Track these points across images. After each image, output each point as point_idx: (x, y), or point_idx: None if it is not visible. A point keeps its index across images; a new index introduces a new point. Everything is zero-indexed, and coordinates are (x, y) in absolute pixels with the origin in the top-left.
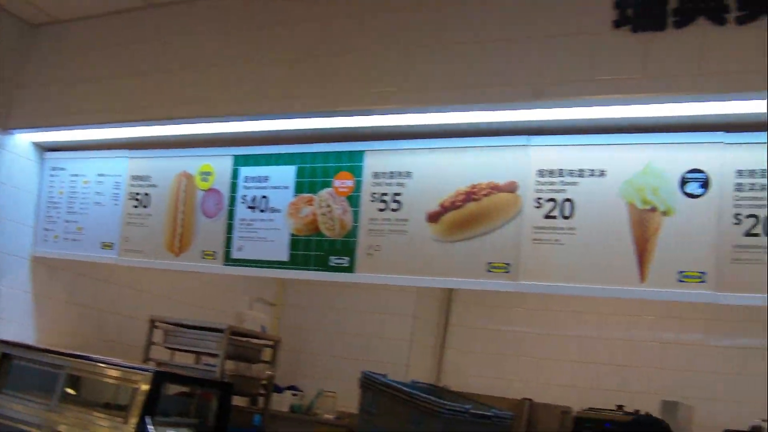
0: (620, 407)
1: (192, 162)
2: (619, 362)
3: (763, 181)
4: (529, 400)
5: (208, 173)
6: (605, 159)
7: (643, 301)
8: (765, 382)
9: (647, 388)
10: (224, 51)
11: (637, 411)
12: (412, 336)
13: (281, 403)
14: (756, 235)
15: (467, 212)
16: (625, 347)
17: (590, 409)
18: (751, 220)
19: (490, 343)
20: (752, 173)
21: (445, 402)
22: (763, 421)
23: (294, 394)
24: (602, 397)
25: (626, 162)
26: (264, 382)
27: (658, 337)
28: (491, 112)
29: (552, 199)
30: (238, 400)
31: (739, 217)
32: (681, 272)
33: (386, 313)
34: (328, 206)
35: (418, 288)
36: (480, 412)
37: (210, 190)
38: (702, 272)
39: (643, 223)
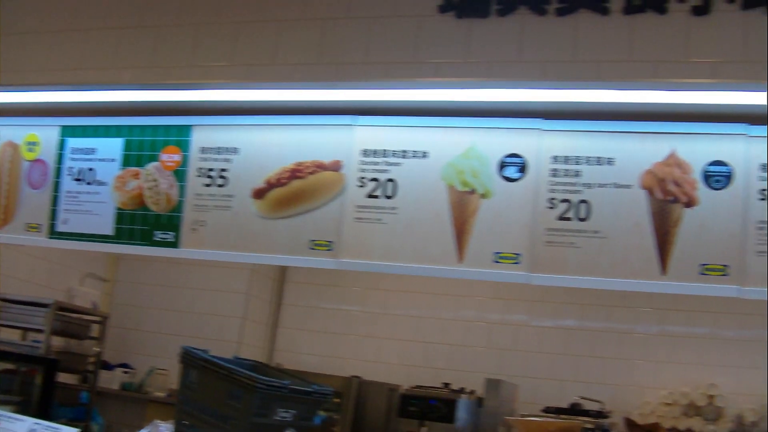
0: (446, 385)
1: (18, 131)
2: (447, 341)
3: (577, 167)
4: (358, 377)
5: (34, 143)
6: (428, 141)
7: (472, 282)
8: (588, 362)
9: (474, 367)
10: (52, 18)
11: (462, 388)
12: (245, 314)
13: (112, 380)
14: (568, 219)
15: (292, 190)
16: (454, 327)
17: (417, 386)
18: (564, 205)
19: (323, 321)
20: (567, 159)
21: (264, 377)
22: (582, 398)
23: (125, 372)
24: (431, 375)
25: (448, 144)
26: (92, 359)
27: (485, 318)
28: (317, 90)
29: (375, 179)
30: (68, 378)
31: (554, 201)
32: (497, 253)
33: (220, 291)
34: (155, 180)
35: (251, 265)
36: (299, 388)
37: (36, 160)
38: (517, 254)
39: (462, 205)
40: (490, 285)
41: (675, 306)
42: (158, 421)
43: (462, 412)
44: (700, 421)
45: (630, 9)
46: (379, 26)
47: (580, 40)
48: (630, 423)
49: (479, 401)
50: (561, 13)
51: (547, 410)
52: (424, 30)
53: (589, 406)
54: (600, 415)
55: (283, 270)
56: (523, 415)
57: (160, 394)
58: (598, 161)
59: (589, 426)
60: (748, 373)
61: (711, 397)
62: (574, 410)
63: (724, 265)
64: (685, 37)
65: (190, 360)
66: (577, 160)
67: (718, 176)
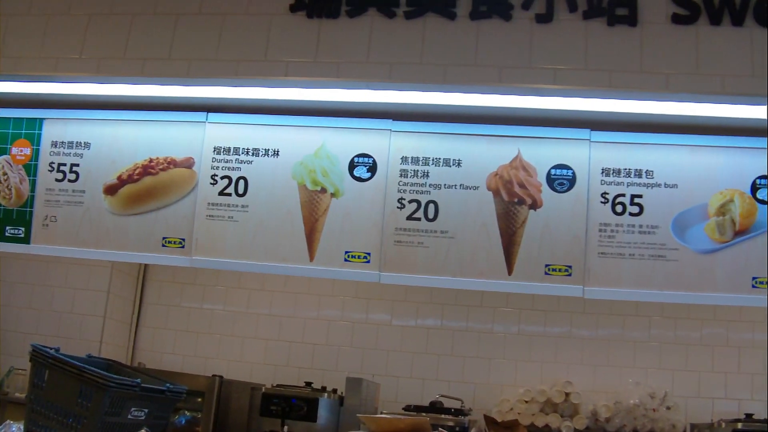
0: (309, 384)
1: None
2: (310, 340)
3: (426, 168)
4: (221, 376)
5: None
6: (279, 139)
7: (334, 282)
8: (448, 360)
9: (337, 366)
10: None
11: (324, 387)
12: (105, 312)
13: None
14: (417, 219)
15: (144, 186)
16: (317, 326)
17: (279, 385)
18: (413, 205)
19: (186, 320)
20: (416, 160)
21: (115, 376)
22: (442, 396)
23: None
24: (294, 374)
25: (299, 144)
26: None
27: (348, 317)
28: (169, 86)
29: (227, 177)
30: None
31: (403, 201)
32: (347, 252)
33: (80, 289)
34: (5, 174)
35: (112, 263)
36: (151, 386)
37: None
38: (367, 253)
39: (313, 204)
40: (353, 284)
41: (532, 306)
42: (10, 422)
43: (323, 411)
44: (557, 418)
45: (476, 14)
46: (230, 23)
47: (427, 44)
48: (489, 420)
49: (341, 400)
50: (409, 16)
51: (408, 408)
52: (274, 29)
53: (449, 404)
54: (459, 412)
55: (144, 268)
56: (381, 413)
57: (20, 395)
58: (446, 162)
59: (449, 423)
60: (601, 371)
61: (567, 394)
62: (434, 408)
63: (568, 266)
64: (528, 43)
65: (40, 358)
66: (426, 161)
67: (561, 179)
